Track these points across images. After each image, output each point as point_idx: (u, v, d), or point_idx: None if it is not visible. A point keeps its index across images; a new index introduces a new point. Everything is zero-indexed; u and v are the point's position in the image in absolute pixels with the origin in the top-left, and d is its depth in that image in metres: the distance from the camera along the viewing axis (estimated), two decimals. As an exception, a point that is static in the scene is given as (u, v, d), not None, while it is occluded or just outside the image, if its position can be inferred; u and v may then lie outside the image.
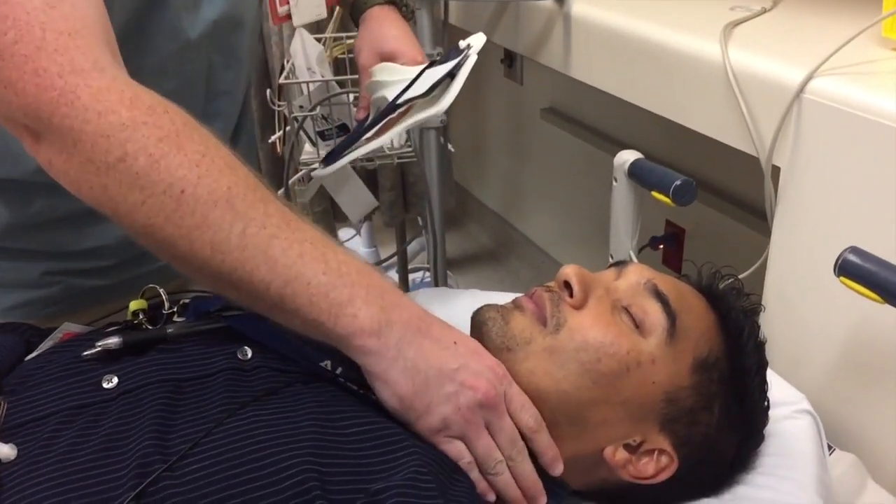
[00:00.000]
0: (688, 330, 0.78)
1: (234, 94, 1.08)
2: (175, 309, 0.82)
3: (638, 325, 0.78)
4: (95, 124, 0.66)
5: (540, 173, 2.48)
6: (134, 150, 0.66)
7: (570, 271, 0.81)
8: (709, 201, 1.70)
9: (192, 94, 1.00)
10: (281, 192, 1.24)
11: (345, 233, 2.68)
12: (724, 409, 0.79)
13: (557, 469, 0.76)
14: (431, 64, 1.04)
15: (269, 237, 0.68)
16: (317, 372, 0.77)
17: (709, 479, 0.82)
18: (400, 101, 0.98)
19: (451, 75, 0.96)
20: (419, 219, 1.85)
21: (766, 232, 1.04)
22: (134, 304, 0.82)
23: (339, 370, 0.77)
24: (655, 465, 0.77)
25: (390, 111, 0.99)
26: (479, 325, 0.81)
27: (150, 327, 0.79)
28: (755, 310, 0.86)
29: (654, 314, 0.78)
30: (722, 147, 1.10)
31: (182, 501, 0.62)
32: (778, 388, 0.92)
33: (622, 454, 0.77)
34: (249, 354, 0.76)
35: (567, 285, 0.81)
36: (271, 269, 0.68)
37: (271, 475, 0.64)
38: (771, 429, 0.86)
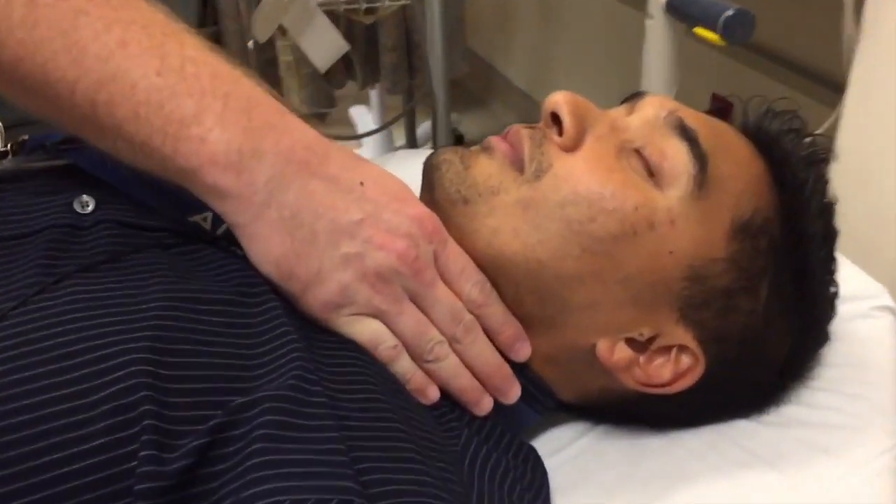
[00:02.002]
0: (725, 180, 0.59)
1: None
2: (10, 146, 0.59)
3: (653, 173, 0.58)
4: None
5: (572, 46, 2.31)
6: None
7: (559, 98, 0.59)
8: (765, 68, 1.51)
9: None
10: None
11: (356, 109, 2.49)
12: (773, 292, 0.60)
13: (521, 352, 0.59)
14: None
15: (73, 12, 0.48)
16: (188, 230, 0.55)
17: (747, 391, 0.64)
18: None
19: None
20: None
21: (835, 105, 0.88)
22: (-35, 141, 0.60)
23: (222, 228, 0.55)
24: (673, 367, 0.59)
25: None
26: (429, 170, 0.60)
27: None
28: (823, 157, 0.64)
29: (676, 157, 0.58)
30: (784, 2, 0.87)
31: None
32: (850, 277, 0.72)
33: (624, 351, 0.59)
34: (92, 206, 0.55)
35: (556, 119, 0.59)
36: (76, 60, 0.48)
37: (82, 379, 0.44)
38: (838, 329, 0.67)
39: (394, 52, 1.73)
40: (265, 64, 1.66)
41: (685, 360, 0.59)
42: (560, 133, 0.59)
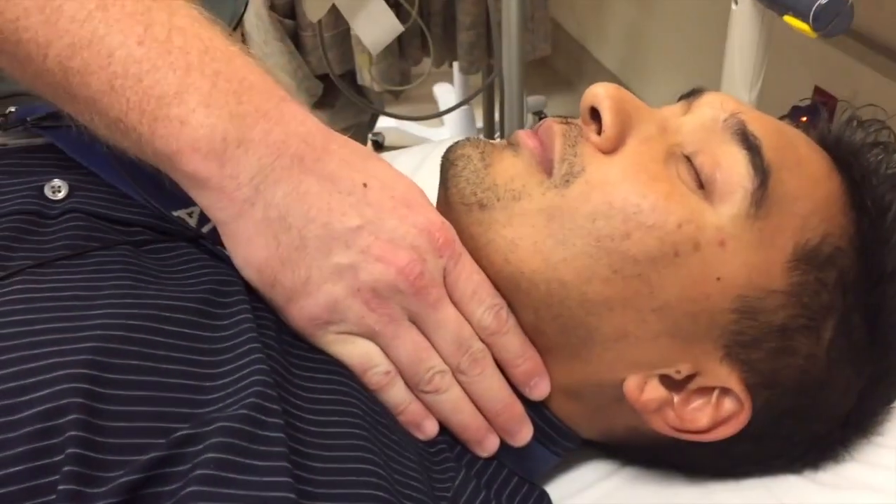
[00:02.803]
0: (790, 198, 0.51)
1: None
2: (-4, 121, 0.55)
3: (703, 184, 0.50)
4: None
5: (668, 27, 2.20)
6: None
7: (600, 90, 0.52)
8: (873, 61, 1.36)
9: None
10: None
11: (440, 87, 2.43)
12: (839, 334, 0.52)
13: (538, 390, 0.52)
14: None
15: None
16: (169, 226, 0.50)
17: (801, 443, 0.55)
18: None
19: None
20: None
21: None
22: (-45, 113, 0.56)
23: (208, 226, 0.50)
24: (713, 412, 0.51)
25: None
26: (446, 167, 0.54)
27: None
28: None
29: (732, 167, 0.50)
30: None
31: None
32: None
33: (656, 391, 0.51)
34: (64, 192, 0.50)
35: (595, 114, 0.51)
36: (49, 20, 0.44)
37: (6, 394, 0.39)
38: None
39: (471, 31, 1.65)
40: (337, 37, 1.61)
41: (728, 404, 0.51)
42: (599, 132, 0.51)
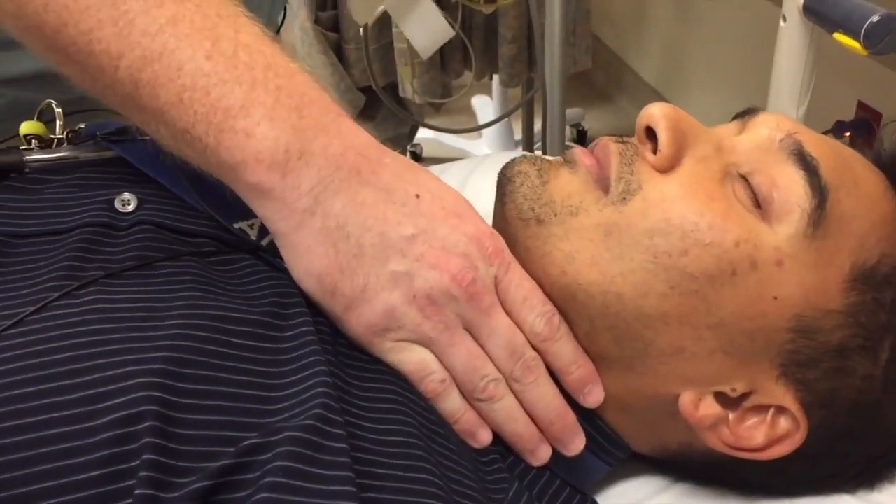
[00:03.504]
0: (847, 218, 0.51)
1: None
2: (67, 135, 0.57)
3: (760, 204, 0.50)
4: None
5: (708, 41, 2.18)
6: None
7: (656, 111, 0.52)
8: None
9: None
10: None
11: (478, 100, 2.44)
12: None
13: (592, 397, 0.52)
14: None
15: None
16: (232, 237, 0.52)
17: (856, 463, 0.55)
18: None
19: None
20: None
21: None
22: (26, 127, 0.58)
23: (267, 239, 0.50)
24: (768, 430, 0.51)
25: None
26: (503, 183, 0.54)
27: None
28: None
29: (790, 188, 0.50)
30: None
31: None
32: None
33: (711, 407, 0.51)
34: (133, 204, 0.52)
35: (651, 134, 0.52)
36: (121, 33, 0.45)
37: (85, 401, 0.40)
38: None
39: (513, 44, 1.66)
40: (380, 50, 1.63)
41: (783, 423, 0.51)
42: (654, 151, 0.52)
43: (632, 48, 2.60)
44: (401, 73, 1.64)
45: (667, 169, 0.51)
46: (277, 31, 0.90)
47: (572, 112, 2.35)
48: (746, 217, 0.50)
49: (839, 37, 0.83)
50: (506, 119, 2.23)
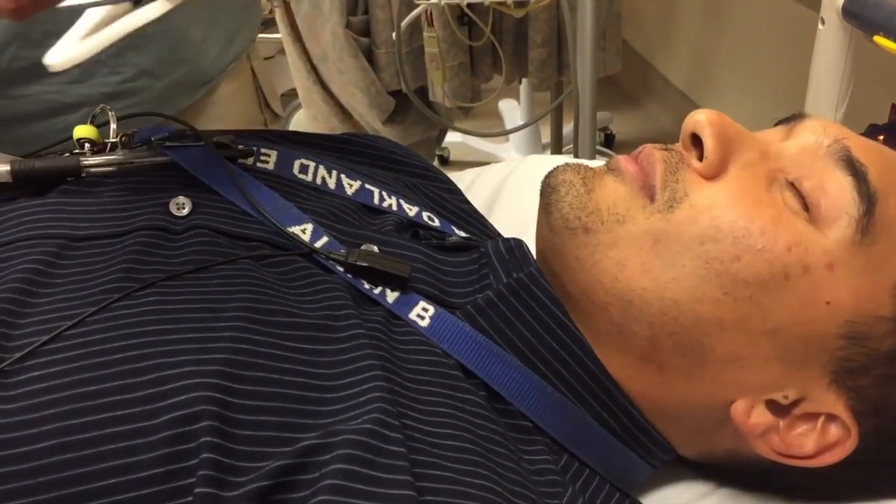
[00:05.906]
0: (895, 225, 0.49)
1: None
2: (121, 139, 0.58)
3: (809, 209, 0.50)
4: None
5: (738, 46, 2.16)
6: None
7: (702, 117, 0.52)
8: None
9: None
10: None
11: (505, 104, 2.44)
12: None
13: None
14: None
15: None
16: (285, 241, 0.52)
17: None
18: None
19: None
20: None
21: None
22: (80, 131, 0.58)
23: (323, 240, 0.51)
24: (819, 438, 0.51)
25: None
26: (548, 192, 0.54)
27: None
28: None
29: (838, 194, 0.50)
30: None
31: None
32: None
33: (763, 415, 0.51)
34: (188, 209, 0.52)
35: (696, 141, 0.52)
36: None
37: (144, 400, 0.41)
38: None
39: (542, 48, 1.66)
40: (410, 54, 1.63)
41: (834, 431, 0.50)
42: (700, 158, 0.52)
43: (659, 51, 2.60)
44: (432, 77, 1.64)
45: (713, 176, 0.51)
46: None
47: (600, 115, 2.35)
48: (796, 222, 0.49)
49: (880, 39, 0.83)
50: (535, 124, 2.24)
